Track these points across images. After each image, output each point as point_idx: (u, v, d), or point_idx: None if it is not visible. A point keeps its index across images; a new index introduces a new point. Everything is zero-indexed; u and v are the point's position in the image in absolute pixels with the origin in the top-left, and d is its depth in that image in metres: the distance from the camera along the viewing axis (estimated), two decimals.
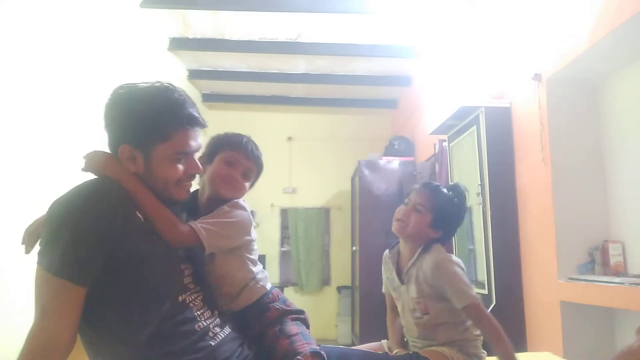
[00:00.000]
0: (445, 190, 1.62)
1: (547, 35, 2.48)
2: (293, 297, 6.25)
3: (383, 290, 1.78)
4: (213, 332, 1.10)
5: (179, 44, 4.53)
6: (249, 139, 1.40)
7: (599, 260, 2.28)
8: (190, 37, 4.49)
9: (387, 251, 1.76)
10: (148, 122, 1.08)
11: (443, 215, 1.58)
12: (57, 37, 2.70)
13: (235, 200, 1.28)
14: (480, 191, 2.83)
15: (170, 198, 1.15)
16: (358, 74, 5.34)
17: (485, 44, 3.24)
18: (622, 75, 2.33)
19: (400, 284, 1.61)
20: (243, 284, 1.25)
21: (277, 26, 4.26)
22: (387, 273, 1.72)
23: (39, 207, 2.46)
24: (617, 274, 2.17)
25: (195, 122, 1.13)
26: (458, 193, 1.63)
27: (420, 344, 1.56)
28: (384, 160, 5.08)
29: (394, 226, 1.62)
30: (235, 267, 1.25)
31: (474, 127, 2.93)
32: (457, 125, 3.21)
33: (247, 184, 1.34)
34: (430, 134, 3.67)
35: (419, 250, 1.57)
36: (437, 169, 3.83)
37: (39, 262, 0.98)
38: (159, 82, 1.13)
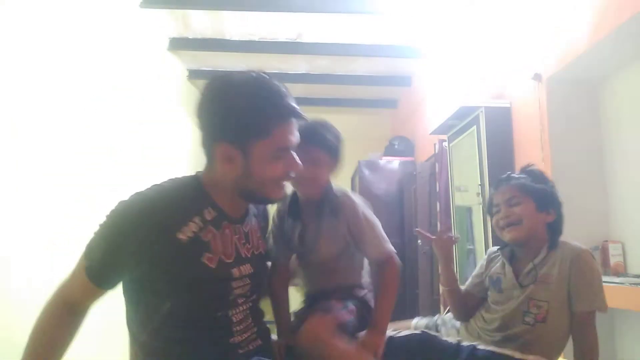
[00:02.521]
0: (518, 174, 1.51)
1: (547, 35, 2.48)
2: (295, 297, 6.21)
3: (467, 288, 1.61)
4: (243, 347, 1.10)
5: (179, 44, 4.53)
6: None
7: (599, 260, 2.27)
8: (190, 37, 4.48)
9: (496, 249, 1.61)
10: (247, 117, 0.99)
11: (541, 192, 1.44)
12: (57, 37, 2.70)
13: (345, 194, 1.39)
14: (480, 191, 2.83)
15: (265, 198, 1.10)
16: (358, 74, 5.33)
17: (485, 44, 3.24)
18: (622, 75, 2.33)
19: (516, 285, 1.42)
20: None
21: (277, 26, 4.25)
22: (493, 271, 1.53)
23: (38, 204, 2.47)
24: (617, 274, 2.16)
25: (294, 114, 1.04)
26: (530, 169, 1.52)
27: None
28: (384, 160, 5.08)
29: (509, 233, 1.44)
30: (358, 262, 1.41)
31: (474, 127, 2.93)
32: (457, 125, 3.21)
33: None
34: (430, 134, 3.67)
35: (546, 246, 1.41)
36: (437, 169, 3.83)
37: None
38: (253, 72, 1.05)
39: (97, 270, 1.02)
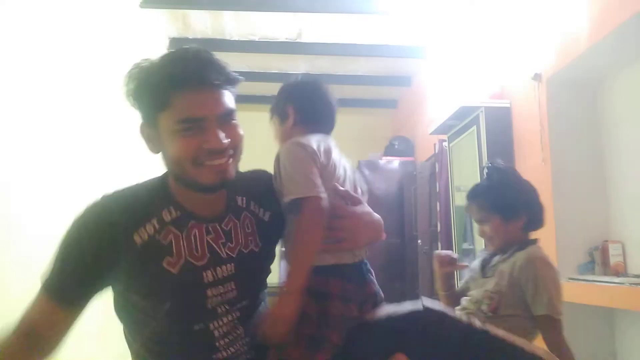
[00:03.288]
0: (485, 184, 1.55)
1: (547, 35, 2.48)
2: None
3: (462, 286, 1.66)
4: None
5: (179, 44, 4.51)
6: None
7: (599, 260, 2.28)
8: (190, 37, 4.49)
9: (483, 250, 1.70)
10: (146, 88, 0.90)
11: (504, 204, 1.48)
12: (57, 37, 2.70)
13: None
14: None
15: (195, 183, 0.92)
16: (358, 74, 5.33)
17: (485, 44, 3.24)
18: (622, 75, 2.33)
19: (480, 276, 1.52)
20: None
21: (277, 26, 4.25)
22: (474, 264, 1.62)
23: (37, 203, 2.46)
24: (617, 274, 2.17)
25: (199, 81, 0.88)
26: (494, 171, 1.55)
27: None
28: (384, 160, 5.08)
29: (488, 246, 1.57)
30: None
31: (474, 127, 2.93)
32: (457, 125, 3.21)
33: None
34: (430, 134, 3.67)
35: (514, 247, 1.47)
36: (437, 169, 3.83)
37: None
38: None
39: (57, 282, 0.90)
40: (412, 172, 4.70)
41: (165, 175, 0.98)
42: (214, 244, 0.96)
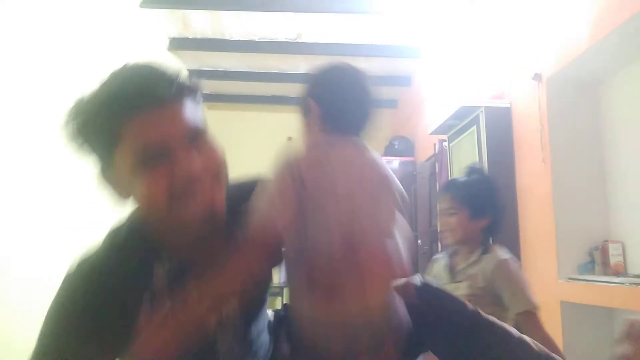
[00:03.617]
0: (463, 179, 1.61)
1: (547, 35, 2.48)
2: None
3: None
4: None
5: (179, 44, 4.53)
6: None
7: (599, 260, 2.28)
8: (190, 37, 4.48)
9: (438, 254, 1.76)
10: (89, 123, 0.70)
11: (476, 201, 1.56)
12: (57, 37, 2.70)
13: None
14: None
15: (181, 225, 0.73)
16: None
17: (485, 43, 3.24)
18: (622, 75, 2.33)
19: (449, 281, 1.58)
20: None
21: (277, 26, 4.26)
22: (434, 270, 1.68)
23: (38, 205, 2.46)
24: (617, 274, 2.17)
25: (147, 100, 0.68)
26: (474, 171, 1.63)
27: None
28: (384, 160, 5.07)
29: (441, 238, 1.63)
30: None
31: (474, 127, 2.93)
32: (457, 125, 3.21)
33: None
34: (430, 134, 3.67)
35: (478, 251, 1.55)
36: (437, 169, 3.83)
37: None
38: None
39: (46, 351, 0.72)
40: (412, 172, 4.70)
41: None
42: None
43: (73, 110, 0.71)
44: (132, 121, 0.68)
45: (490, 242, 1.60)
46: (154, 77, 0.71)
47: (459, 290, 1.52)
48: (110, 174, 0.73)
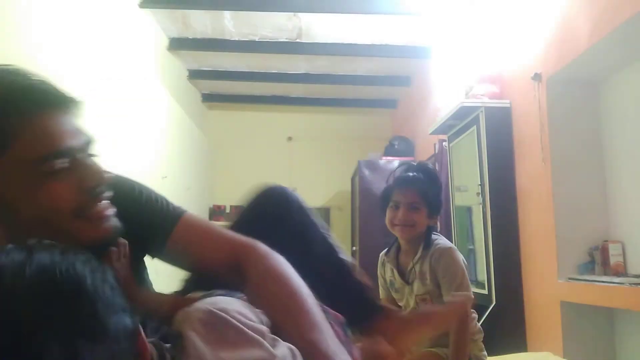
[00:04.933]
0: (422, 175, 1.62)
1: (547, 35, 2.48)
2: None
3: (381, 297, 1.72)
4: None
5: (179, 44, 4.53)
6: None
7: (599, 260, 2.27)
8: (190, 37, 4.48)
9: (383, 254, 1.74)
10: None
11: (435, 200, 1.61)
12: (57, 37, 2.70)
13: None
14: (480, 191, 2.83)
15: (80, 244, 0.58)
16: (358, 74, 5.33)
17: (485, 43, 3.24)
18: (622, 75, 2.33)
19: (404, 283, 1.60)
20: None
21: (277, 26, 4.25)
22: (387, 275, 1.70)
23: None
24: (617, 274, 2.16)
25: (53, 101, 0.64)
26: (428, 170, 1.66)
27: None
28: (384, 160, 5.08)
29: (401, 232, 1.59)
30: None
31: (474, 127, 2.93)
32: (457, 125, 3.21)
33: None
34: (430, 134, 3.67)
35: (421, 246, 1.57)
36: (437, 169, 3.83)
37: None
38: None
39: None
40: None
41: None
42: None
43: None
44: (31, 124, 0.59)
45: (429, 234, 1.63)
46: (45, 80, 0.65)
47: (415, 290, 1.55)
48: None
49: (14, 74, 0.63)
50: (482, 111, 2.85)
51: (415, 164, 1.76)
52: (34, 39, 2.51)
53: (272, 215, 0.93)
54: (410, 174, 1.64)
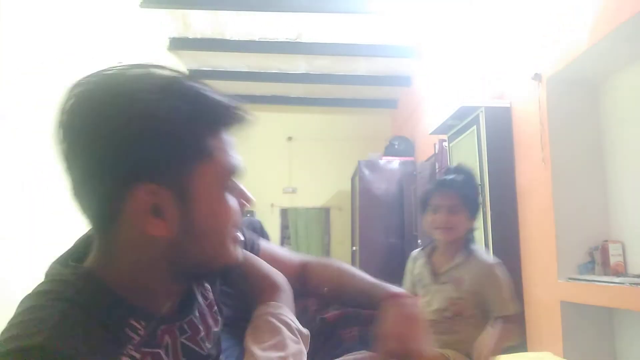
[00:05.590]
0: (461, 178, 1.62)
1: (547, 35, 2.48)
2: None
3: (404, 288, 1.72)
4: None
5: (179, 44, 4.53)
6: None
7: (599, 260, 2.27)
8: (190, 37, 4.49)
9: (416, 251, 1.76)
10: (173, 131, 0.57)
11: (474, 203, 1.60)
12: (57, 37, 2.70)
13: None
14: (480, 191, 2.83)
15: (216, 266, 0.65)
16: (358, 74, 5.34)
17: (485, 43, 3.24)
18: (622, 75, 2.33)
19: (433, 282, 1.60)
20: None
21: (277, 26, 4.26)
22: (416, 271, 1.69)
23: (37, 207, 2.45)
24: (617, 274, 2.16)
25: (239, 118, 0.64)
26: (466, 172, 1.65)
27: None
28: (384, 160, 5.08)
29: (441, 235, 1.59)
30: None
31: (474, 127, 2.93)
32: (457, 125, 3.21)
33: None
34: (430, 134, 3.67)
35: (463, 253, 1.57)
36: (437, 169, 3.83)
37: None
38: (142, 65, 0.62)
39: None
40: (412, 172, 4.70)
41: (89, 275, 0.60)
42: (192, 345, 0.69)
43: (130, 117, 0.56)
44: (219, 139, 0.62)
45: (472, 243, 1.63)
46: (231, 99, 0.65)
47: (444, 292, 1.55)
48: (166, 194, 0.58)
49: (201, 84, 0.64)
50: (482, 111, 2.85)
51: (453, 166, 1.75)
52: (34, 39, 2.51)
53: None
54: (449, 177, 1.64)
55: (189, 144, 0.59)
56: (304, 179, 6.41)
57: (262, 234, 1.06)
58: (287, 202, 6.40)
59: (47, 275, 0.62)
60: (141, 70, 0.61)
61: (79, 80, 0.60)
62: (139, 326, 0.61)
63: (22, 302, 0.57)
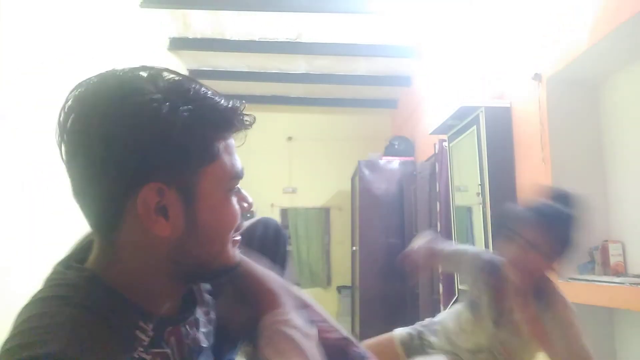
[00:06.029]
0: (570, 212, 1.31)
1: (547, 35, 2.48)
2: None
3: (449, 318, 1.54)
4: None
5: (179, 44, 4.53)
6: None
7: (599, 260, 2.27)
8: (190, 37, 4.49)
9: (490, 263, 1.46)
10: (182, 132, 0.57)
11: (573, 246, 1.31)
12: (57, 37, 2.70)
13: None
14: (480, 191, 2.83)
15: (218, 267, 0.66)
16: (358, 74, 5.34)
17: (485, 43, 3.24)
18: (622, 75, 2.33)
19: (491, 321, 1.38)
20: None
21: (277, 26, 4.26)
22: (477, 292, 1.44)
23: (37, 208, 2.46)
24: (617, 274, 2.16)
25: (238, 125, 0.65)
26: (578, 205, 1.32)
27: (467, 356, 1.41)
28: (384, 160, 5.08)
29: (524, 278, 1.33)
30: None
31: (474, 127, 2.93)
32: (457, 125, 3.21)
33: None
34: (430, 134, 3.67)
35: (532, 296, 1.33)
36: (437, 169, 3.83)
37: None
38: (149, 67, 0.62)
39: None
40: (412, 172, 4.70)
41: (92, 277, 0.59)
42: (193, 345, 0.70)
43: (124, 111, 0.56)
44: (224, 143, 0.63)
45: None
46: (236, 102, 0.66)
47: (501, 335, 1.33)
48: (175, 196, 0.59)
49: (207, 87, 0.64)
50: (482, 111, 2.85)
51: (563, 192, 1.40)
52: (34, 39, 2.51)
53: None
54: (560, 210, 1.32)
55: (196, 145, 0.59)
56: (304, 179, 6.41)
57: (277, 235, 1.01)
58: (287, 202, 6.40)
59: (48, 280, 0.61)
60: (148, 71, 0.61)
61: (83, 81, 0.60)
62: (147, 327, 0.61)
63: (24, 309, 0.56)
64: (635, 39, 2.01)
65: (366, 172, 4.97)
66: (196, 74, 5.22)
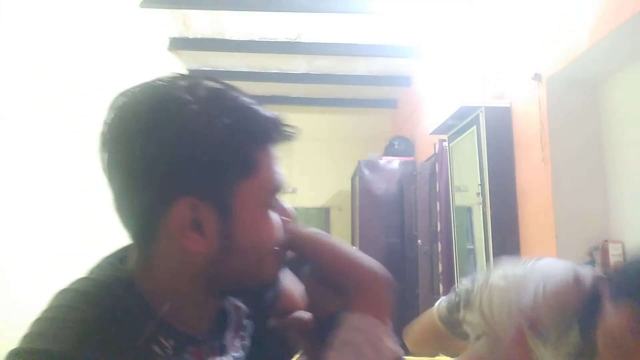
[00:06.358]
0: None
1: (547, 35, 2.48)
2: None
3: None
4: None
5: (179, 44, 4.53)
6: None
7: (599, 260, 2.27)
8: (190, 37, 4.49)
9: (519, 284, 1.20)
10: (219, 145, 0.56)
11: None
12: (57, 37, 2.70)
13: None
14: (480, 191, 2.83)
15: (256, 284, 0.63)
16: (358, 74, 5.34)
17: (485, 43, 3.24)
18: (622, 75, 2.33)
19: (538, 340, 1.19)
20: None
21: (277, 26, 4.26)
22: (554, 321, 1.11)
23: (37, 209, 2.45)
24: None
25: (280, 136, 0.62)
26: None
27: None
28: (384, 160, 5.08)
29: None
30: None
31: (474, 127, 2.93)
32: (457, 125, 3.21)
33: None
34: (430, 134, 3.67)
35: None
36: (437, 169, 3.83)
37: None
38: (188, 76, 0.62)
39: None
40: (412, 172, 4.70)
41: (126, 282, 0.59)
42: None
43: (172, 128, 0.55)
44: (265, 154, 0.61)
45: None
46: (277, 114, 0.63)
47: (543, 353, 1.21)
48: (199, 211, 0.57)
49: (248, 97, 0.61)
50: (482, 111, 2.85)
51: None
52: (34, 39, 2.51)
53: None
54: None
55: (233, 159, 0.57)
56: (304, 179, 6.41)
57: None
58: (287, 202, 6.39)
59: (89, 271, 0.62)
60: (187, 81, 0.60)
61: (123, 91, 0.60)
62: (166, 344, 0.59)
63: (57, 294, 0.58)
64: (635, 39, 2.01)
65: (366, 172, 4.97)
66: (196, 74, 5.22)
